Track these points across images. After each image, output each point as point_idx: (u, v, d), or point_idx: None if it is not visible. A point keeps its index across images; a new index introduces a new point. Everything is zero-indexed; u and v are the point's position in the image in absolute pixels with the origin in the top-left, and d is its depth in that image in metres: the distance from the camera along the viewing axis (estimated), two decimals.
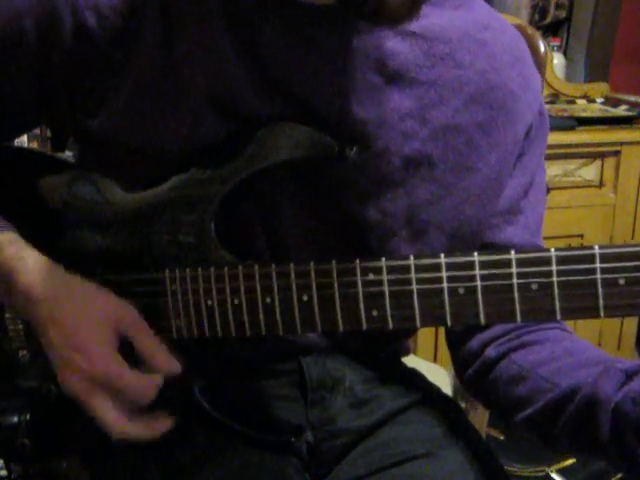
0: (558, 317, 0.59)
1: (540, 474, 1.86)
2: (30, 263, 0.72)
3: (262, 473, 0.80)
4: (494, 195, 0.79)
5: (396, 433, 0.84)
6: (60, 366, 0.70)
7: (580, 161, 2.00)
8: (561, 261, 0.59)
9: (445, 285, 0.62)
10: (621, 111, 2.16)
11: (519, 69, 0.79)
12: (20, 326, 0.81)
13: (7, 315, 0.81)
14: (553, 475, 1.79)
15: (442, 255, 0.62)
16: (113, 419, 0.69)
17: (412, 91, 0.74)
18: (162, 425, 0.72)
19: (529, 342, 0.79)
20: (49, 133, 1.36)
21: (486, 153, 0.77)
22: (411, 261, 0.63)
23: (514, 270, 0.60)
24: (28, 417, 0.82)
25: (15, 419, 0.81)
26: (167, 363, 0.71)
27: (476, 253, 0.61)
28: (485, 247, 0.80)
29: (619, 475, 1.74)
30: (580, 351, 0.76)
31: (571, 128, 2.01)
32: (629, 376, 0.67)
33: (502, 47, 0.78)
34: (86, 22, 0.71)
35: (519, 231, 0.81)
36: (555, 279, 0.59)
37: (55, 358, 0.70)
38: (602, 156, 2.03)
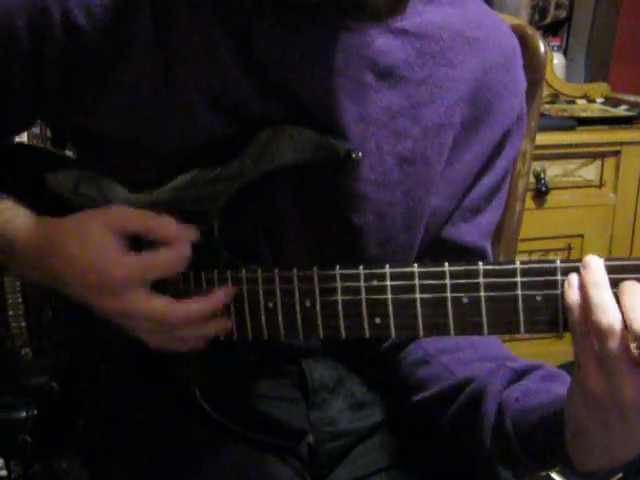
0: (560, 330, 0.59)
1: (540, 474, 1.85)
2: (28, 222, 0.73)
3: (263, 475, 0.81)
4: (461, 192, 0.80)
5: (396, 434, 0.85)
6: (92, 301, 0.69)
7: (580, 161, 1.99)
8: (565, 272, 0.58)
9: (449, 294, 0.62)
10: (621, 111, 2.16)
11: (508, 69, 0.79)
12: (23, 323, 0.81)
13: (10, 313, 0.81)
14: (553, 475, 1.79)
15: (446, 264, 0.62)
16: (162, 304, 0.68)
17: (403, 89, 0.74)
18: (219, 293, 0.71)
19: None
20: (49, 133, 1.35)
21: (463, 150, 0.78)
22: (415, 268, 0.63)
23: (519, 279, 0.60)
24: (35, 412, 0.82)
25: (23, 414, 0.81)
26: (179, 229, 0.70)
27: (480, 262, 0.61)
28: (435, 242, 0.80)
29: (619, 475, 1.74)
30: (483, 345, 0.77)
31: (571, 128, 2.00)
32: (519, 375, 0.71)
33: (494, 46, 0.78)
34: (75, 20, 0.71)
35: (471, 230, 0.81)
36: (560, 291, 0.58)
37: (83, 297, 0.70)
38: (602, 156, 2.02)
